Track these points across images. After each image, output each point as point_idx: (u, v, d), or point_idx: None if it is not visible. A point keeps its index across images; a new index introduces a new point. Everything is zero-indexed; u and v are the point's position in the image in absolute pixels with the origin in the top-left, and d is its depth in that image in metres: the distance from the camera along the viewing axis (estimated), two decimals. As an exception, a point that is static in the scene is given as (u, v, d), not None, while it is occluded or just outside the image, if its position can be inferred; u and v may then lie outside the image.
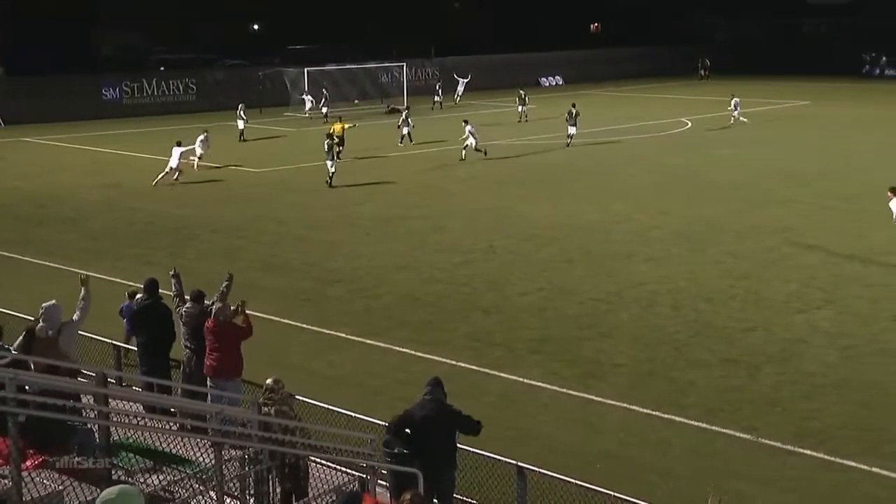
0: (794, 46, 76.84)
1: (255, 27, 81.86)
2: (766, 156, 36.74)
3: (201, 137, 34.54)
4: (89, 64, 61.77)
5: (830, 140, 41.59)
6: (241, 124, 42.50)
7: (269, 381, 10.51)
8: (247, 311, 12.72)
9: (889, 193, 22.60)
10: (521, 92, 49.51)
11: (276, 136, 44.96)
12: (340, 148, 35.09)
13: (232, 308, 12.69)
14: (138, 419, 8.76)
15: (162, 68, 62.63)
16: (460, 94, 57.44)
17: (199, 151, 34.22)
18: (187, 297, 13.19)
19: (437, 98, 55.21)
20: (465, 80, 57.63)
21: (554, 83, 70.50)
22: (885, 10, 73.54)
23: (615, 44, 78.34)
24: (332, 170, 31.34)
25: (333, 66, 57.53)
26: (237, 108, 43.25)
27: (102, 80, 54.13)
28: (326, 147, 31.63)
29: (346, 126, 37.28)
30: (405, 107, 46.18)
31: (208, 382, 12.58)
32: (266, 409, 10.06)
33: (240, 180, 33.42)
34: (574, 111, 39.50)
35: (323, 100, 50.75)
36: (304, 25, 72.96)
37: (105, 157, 38.80)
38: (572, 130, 39.25)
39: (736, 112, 44.99)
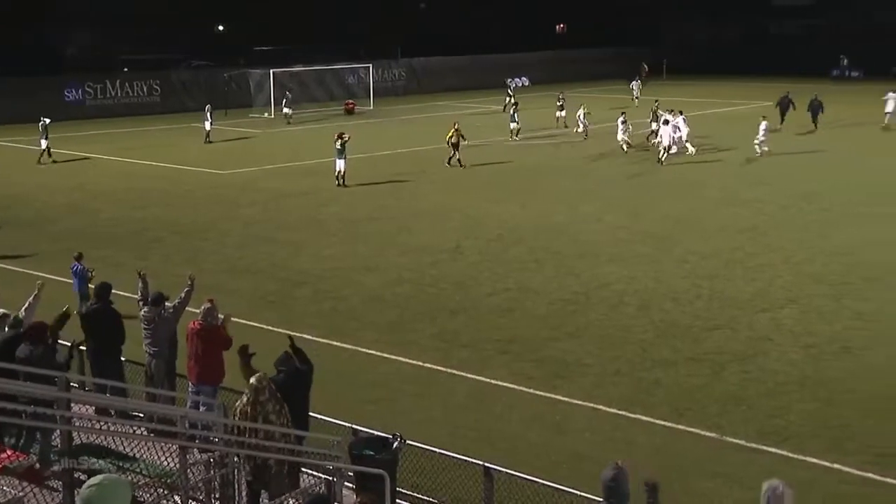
0: (761, 48, 77.23)
1: (221, 28, 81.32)
2: (724, 156, 37.00)
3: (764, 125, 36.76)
4: (52, 65, 60.98)
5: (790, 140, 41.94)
6: (207, 126, 42.21)
7: (252, 380, 10.01)
8: (228, 325, 12.61)
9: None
10: (560, 95, 47.11)
11: (241, 137, 44.70)
12: (453, 153, 34.87)
13: (222, 316, 12.57)
14: (100, 423, 8.66)
15: (126, 69, 62.00)
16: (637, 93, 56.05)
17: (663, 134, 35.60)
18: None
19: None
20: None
21: (520, 84, 70.63)
22: (848, 12, 74.36)
23: (581, 45, 78.61)
24: (342, 169, 31.45)
25: (300, 68, 57.34)
26: (205, 109, 42.95)
27: (65, 81, 53.53)
28: (339, 146, 31.46)
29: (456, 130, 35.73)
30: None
31: (189, 388, 12.46)
32: (246, 405, 9.81)
33: (204, 182, 33.18)
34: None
35: (285, 100, 50.34)
36: (271, 26, 72.57)
37: (67, 158, 38.33)
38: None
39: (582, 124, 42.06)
